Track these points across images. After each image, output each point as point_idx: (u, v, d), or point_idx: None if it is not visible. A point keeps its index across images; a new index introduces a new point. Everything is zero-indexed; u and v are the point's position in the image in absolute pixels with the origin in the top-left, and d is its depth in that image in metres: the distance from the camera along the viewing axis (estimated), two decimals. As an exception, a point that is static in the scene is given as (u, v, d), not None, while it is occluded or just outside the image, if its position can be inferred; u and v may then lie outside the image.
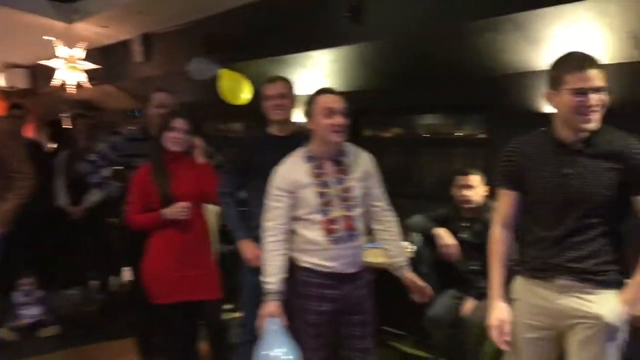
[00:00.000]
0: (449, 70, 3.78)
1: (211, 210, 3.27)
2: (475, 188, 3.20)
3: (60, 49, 5.54)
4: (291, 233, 2.39)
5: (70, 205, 4.59)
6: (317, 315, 2.34)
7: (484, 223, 3.12)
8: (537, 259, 2.00)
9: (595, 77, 1.83)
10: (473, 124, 4.13)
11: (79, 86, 5.80)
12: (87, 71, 5.75)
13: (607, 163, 1.87)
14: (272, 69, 4.63)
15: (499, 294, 2.08)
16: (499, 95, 3.63)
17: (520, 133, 2.12)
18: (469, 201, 3.19)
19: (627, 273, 1.95)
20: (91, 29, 5.79)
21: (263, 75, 3.27)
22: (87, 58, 5.75)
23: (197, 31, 5.32)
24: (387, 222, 2.51)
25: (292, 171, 2.35)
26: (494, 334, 2.05)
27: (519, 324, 2.04)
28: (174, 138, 2.84)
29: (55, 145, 5.30)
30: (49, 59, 5.59)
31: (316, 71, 4.59)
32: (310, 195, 2.31)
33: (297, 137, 2.59)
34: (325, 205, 2.31)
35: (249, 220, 2.71)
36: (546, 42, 3.19)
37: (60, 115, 7.12)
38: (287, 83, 2.81)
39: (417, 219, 3.37)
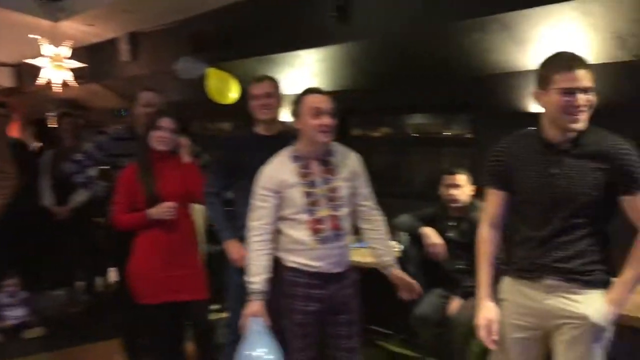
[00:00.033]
0: (436, 70, 3.79)
1: (198, 210, 3.25)
2: (462, 187, 3.21)
3: (46, 48, 5.50)
4: (277, 233, 2.38)
5: (56, 205, 4.55)
6: (303, 315, 2.33)
7: (470, 222, 3.13)
8: (524, 259, 2.00)
9: (584, 78, 1.84)
10: (461, 123, 4.15)
11: (64, 85, 5.76)
12: (73, 70, 5.71)
13: (593, 163, 1.87)
14: (259, 68, 4.62)
15: (486, 293, 2.08)
16: (486, 95, 3.65)
17: (507, 133, 2.13)
18: (456, 200, 3.20)
19: (613, 273, 1.96)
20: (77, 28, 5.75)
21: (251, 75, 3.27)
22: (73, 57, 5.71)
23: (185, 30, 5.30)
24: (375, 222, 2.51)
25: (279, 171, 2.34)
26: (482, 334, 2.05)
27: (506, 324, 2.05)
28: (160, 137, 2.82)
29: (40, 145, 5.25)
30: (34, 57, 5.55)
31: (304, 70, 4.59)
32: (296, 195, 2.31)
33: (284, 137, 2.59)
34: (311, 205, 2.30)
35: (234, 220, 2.70)
36: (532, 42, 3.22)
37: (46, 114, 7.06)
38: (273, 82, 2.80)
39: (404, 218, 3.38)
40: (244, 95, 2.87)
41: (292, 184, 2.31)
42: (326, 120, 2.29)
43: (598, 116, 1.92)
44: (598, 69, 1.88)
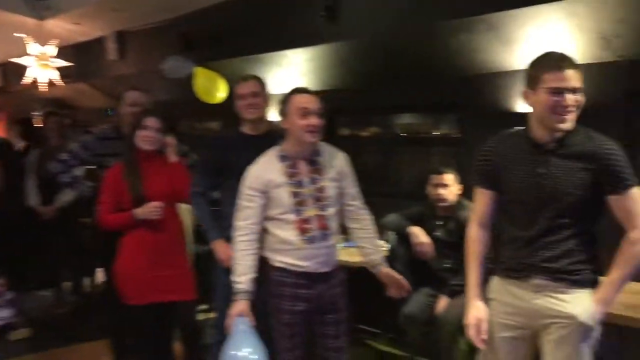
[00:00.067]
0: (423, 70, 3.81)
1: (186, 210, 3.24)
2: (450, 187, 3.22)
3: (32, 46, 5.45)
4: (265, 233, 2.38)
5: (42, 205, 4.51)
6: (291, 315, 2.33)
7: (457, 221, 3.15)
8: (512, 259, 2.01)
9: (573, 78, 1.84)
10: (448, 123, 4.17)
11: (51, 84, 5.72)
12: (59, 69, 5.66)
13: (579, 163, 1.88)
14: (247, 68, 4.61)
15: (475, 293, 2.09)
16: (473, 95, 3.67)
17: (494, 132, 2.14)
18: (443, 200, 3.21)
19: (601, 273, 1.96)
20: (63, 26, 5.71)
21: (239, 74, 3.26)
22: (60, 55, 5.67)
23: (173, 29, 5.28)
24: (363, 221, 2.51)
25: (266, 170, 2.34)
26: (471, 333, 2.05)
27: (494, 323, 2.05)
28: (146, 137, 2.81)
29: (26, 144, 5.20)
30: (20, 56, 5.50)
31: (292, 70, 4.59)
32: (283, 195, 2.30)
33: (271, 136, 2.58)
34: (298, 205, 2.30)
35: (221, 220, 2.69)
36: (519, 43, 3.24)
37: (32, 113, 7.00)
38: (259, 82, 2.79)
39: (392, 218, 3.39)
40: (232, 95, 2.86)
41: (279, 184, 2.31)
42: (314, 120, 2.28)
43: (583, 116, 1.93)
44: (583, 69, 1.89)
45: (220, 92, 4.64)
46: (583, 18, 2.89)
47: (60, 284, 4.92)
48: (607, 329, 1.97)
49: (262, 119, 2.80)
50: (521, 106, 3.36)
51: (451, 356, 3.02)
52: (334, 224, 2.39)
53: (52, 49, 5.56)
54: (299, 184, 2.32)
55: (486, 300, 2.09)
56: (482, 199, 2.11)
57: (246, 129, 2.79)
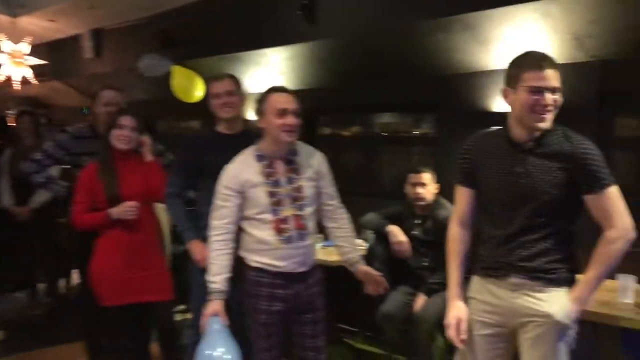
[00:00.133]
0: (400, 69, 3.83)
1: (163, 210, 3.21)
2: (427, 186, 3.23)
3: (5, 44, 5.37)
4: (241, 233, 2.37)
5: (16, 206, 4.43)
6: (267, 315, 2.32)
7: (435, 220, 3.17)
8: (490, 258, 2.02)
9: (552, 77, 1.86)
10: (427, 122, 4.19)
11: (24, 82, 5.62)
12: (33, 67, 5.58)
13: (556, 163, 1.89)
14: (225, 66, 4.59)
15: (456, 293, 2.09)
16: (449, 94, 3.69)
17: (470, 132, 2.16)
18: (421, 199, 3.22)
19: (578, 272, 1.98)
20: (37, 23, 5.62)
21: (216, 73, 3.24)
22: (34, 53, 5.59)
23: (149, 27, 5.23)
24: (341, 220, 2.51)
25: (242, 170, 2.32)
26: (451, 333, 2.06)
27: (473, 321, 2.06)
28: (122, 136, 2.78)
29: (-1, 144, 5.12)
30: (-8, 54, 5.40)
31: (270, 69, 4.57)
32: (260, 195, 2.29)
33: (247, 136, 2.56)
34: (275, 204, 2.29)
35: (197, 219, 2.68)
36: (495, 43, 3.27)
37: (5, 112, 6.88)
38: (234, 80, 2.77)
39: (370, 217, 3.40)
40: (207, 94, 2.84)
41: (256, 184, 2.30)
42: (290, 119, 2.27)
43: (557, 116, 1.95)
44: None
45: (198, 91, 4.61)
46: (557, 19, 2.93)
47: (35, 285, 4.85)
48: (582, 326, 1.99)
49: (237, 118, 2.77)
50: (498, 106, 3.40)
51: (429, 354, 3.04)
52: (311, 224, 2.38)
53: (25, 47, 5.47)
54: (276, 184, 2.31)
55: (466, 299, 2.10)
56: (463, 198, 2.12)
57: (222, 128, 2.76)
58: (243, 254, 2.37)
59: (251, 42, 4.41)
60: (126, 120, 2.79)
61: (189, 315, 3.39)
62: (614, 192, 1.88)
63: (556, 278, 1.93)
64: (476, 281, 2.10)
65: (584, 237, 1.95)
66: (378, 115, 4.56)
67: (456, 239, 2.13)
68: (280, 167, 2.34)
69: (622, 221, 1.87)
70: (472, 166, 2.06)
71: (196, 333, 2.39)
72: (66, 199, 3.24)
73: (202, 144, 2.76)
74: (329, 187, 2.48)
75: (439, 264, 3.10)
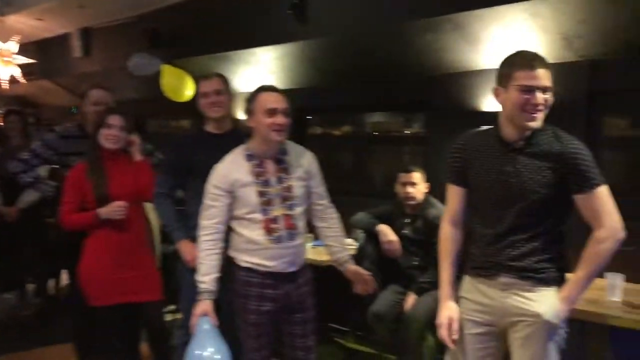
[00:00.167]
0: (390, 69, 3.83)
1: (153, 210, 3.19)
2: (418, 185, 3.24)
3: (-8, 43, 5.32)
4: (231, 232, 2.36)
5: (4, 206, 4.39)
6: (257, 315, 2.31)
7: (425, 219, 3.18)
8: (480, 257, 2.03)
9: (543, 77, 1.86)
10: (418, 122, 4.20)
11: (12, 81, 5.58)
12: (21, 66, 5.54)
13: (546, 162, 1.90)
14: (215, 66, 4.57)
15: (448, 293, 2.09)
16: (439, 94, 3.70)
17: (459, 131, 2.16)
18: (412, 198, 3.23)
19: (568, 271, 1.98)
20: (25, 22, 5.58)
21: (206, 72, 3.23)
22: (22, 52, 5.55)
23: (139, 26, 5.21)
24: (331, 220, 2.51)
25: (232, 169, 2.31)
26: (443, 333, 2.06)
27: (463, 320, 2.07)
28: (110, 135, 2.76)
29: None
30: (-21, 52, 5.36)
31: (260, 68, 4.57)
32: (250, 194, 2.28)
33: (236, 135, 2.55)
34: (265, 204, 2.28)
35: (186, 219, 2.66)
36: (484, 43, 3.28)
37: (-7, 111, 6.82)
38: (223, 79, 2.76)
39: (360, 216, 3.40)
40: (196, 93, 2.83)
41: (246, 183, 2.29)
42: (280, 119, 2.26)
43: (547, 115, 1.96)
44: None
45: (188, 90, 4.59)
46: (546, 19, 2.94)
47: (24, 286, 4.81)
48: (570, 324, 1.99)
49: (226, 117, 2.76)
50: (487, 105, 3.41)
51: (419, 353, 3.05)
52: (301, 224, 2.37)
53: (13, 45, 5.43)
54: (266, 183, 2.30)
55: (457, 298, 2.10)
56: (454, 196, 2.12)
57: (210, 128, 2.75)
58: (232, 253, 2.36)
59: (241, 42, 4.40)
60: (115, 120, 2.77)
61: (178, 316, 3.38)
62: (603, 192, 1.88)
63: (545, 277, 1.93)
64: (467, 281, 2.10)
65: (574, 236, 1.96)
66: (368, 114, 4.56)
67: (448, 238, 2.13)
68: (270, 166, 2.33)
69: (611, 221, 1.88)
70: (463, 165, 2.06)
71: (186, 333, 2.38)
72: (54, 199, 3.21)
73: (190, 144, 2.75)
74: (319, 187, 2.48)
75: (429, 263, 3.12)
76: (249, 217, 2.29)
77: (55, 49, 6.39)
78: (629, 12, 2.75)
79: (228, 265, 2.35)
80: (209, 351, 2.12)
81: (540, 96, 1.86)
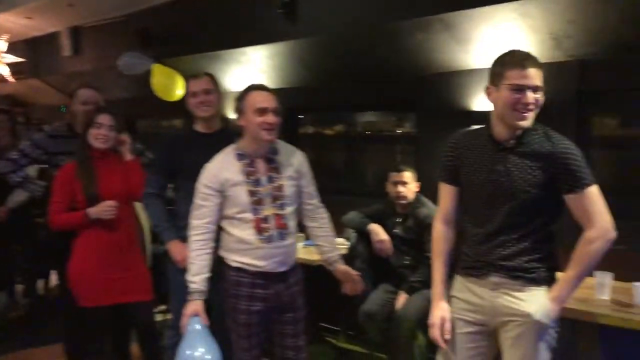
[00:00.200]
0: (381, 68, 3.83)
1: (143, 209, 3.17)
2: (408, 184, 3.24)
3: (-19, 41, 5.28)
4: (221, 232, 2.35)
5: (-8, 206, 4.36)
6: (248, 315, 2.31)
7: (416, 218, 3.18)
8: (471, 256, 2.03)
9: (535, 76, 1.87)
10: (409, 121, 4.21)
11: (1, 80, 5.54)
12: (10, 64, 5.50)
13: (536, 162, 1.90)
14: (206, 65, 4.56)
15: (440, 292, 2.09)
16: (429, 93, 3.71)
17: (450, 131, 2.16)
18: (403, 197, 3.23)
19: (559, 270, 1.99)
20: (15, 20, 5.54)
21: (197, 71, 3.22)
22: (11, 51, 5.51)
23: (129, 25, 5.18)
24: (321, 219, 2.51)
25: (223, 169, 2.30)
26: (435, 333, 2.06)
27: (454, 320, 2.07)
28: (99, 135, 2.74)
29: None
30: (-32, 51, 5.32)
31: (250, 67, 4.56)
32: (241, 194, 2.27)
33: (225, 134, 2.54)
34: (256, 203, 2.27)
35: (176, 219, 2.65)
36: (474, 42, 3.29)
37: (-18, 111, 6.76)
38: (212, 79, 2.75)
39: (351, 216, 3.40)
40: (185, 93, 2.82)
41: (237, 183, 2.28)
42: (270, 118, 2.26)
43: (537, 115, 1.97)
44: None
45: (179, 90, 4.57)
46: (536, 19, 2.95)
47: (13, 286, 4.77)
48: (560, 323, 2.00)
49: (215, 116, 2.76)
50: (477, 105, 3.42)
51: (410, 352, 3.05)
52: (292, 223, 2.37)
53: (2, 44, 5.40)
54: (257, 183, 2.30)
55: (448, 297, 2.10)
56: (446, 195, 2.13)
57: (199, 127, 2.75)
58: (223, 253, 2.36)
59: (232, 41, 4.39)
60: (104, 119, 2.75)
61: (169, 316, 3.37)
62: (594, 192, 1.89)
63: (536, 277, 1.94)
64: (458, 280, 2.11)
65: (564, 236, 1.97)
66: (359, 114, 4.56)
67: (440, 237, 2.13)
68: (260, 166, 2.33)
69: (602, 221, 1.88)
70: (455, 163, 2.06)
71: (176, 333, 2.38)
72: (44, 198, 3.18)
73: (180, 143, 2.74)
74: (310, 186, 2.47)
75: (420, 262, 3.12)
76: (239, 217, 2.28)
77: (44, 48, 6.35)
78: (618, 12, 2.76)
79: (218, 265, 2.34)
80: (199, 351, 2.11)
81: (531, 95, 1.87)
